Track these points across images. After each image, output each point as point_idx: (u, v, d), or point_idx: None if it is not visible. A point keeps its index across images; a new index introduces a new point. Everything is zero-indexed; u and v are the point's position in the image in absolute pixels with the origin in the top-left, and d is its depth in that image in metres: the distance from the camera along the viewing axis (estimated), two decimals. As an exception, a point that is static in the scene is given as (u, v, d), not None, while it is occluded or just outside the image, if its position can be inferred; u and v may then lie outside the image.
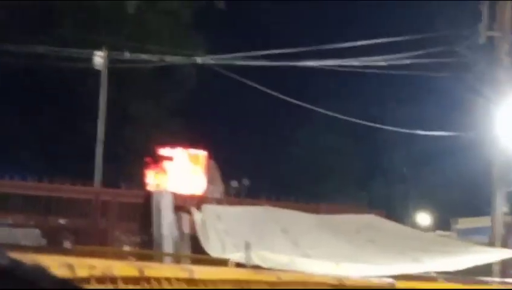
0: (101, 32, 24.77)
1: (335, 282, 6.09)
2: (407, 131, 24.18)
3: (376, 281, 6.90)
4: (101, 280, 4.10)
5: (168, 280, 4.59)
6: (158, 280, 4.52)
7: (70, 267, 3.94)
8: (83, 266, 4.05)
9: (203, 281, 4.89)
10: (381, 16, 31.86)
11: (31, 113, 25.93)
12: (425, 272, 13.42)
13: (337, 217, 18.97)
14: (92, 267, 4.13)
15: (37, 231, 18.30)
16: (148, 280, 4.45)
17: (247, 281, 5.31)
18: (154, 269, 4.65)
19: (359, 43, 20.69)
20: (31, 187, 18.73)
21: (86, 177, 20.18)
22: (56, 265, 3.92)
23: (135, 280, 4.37)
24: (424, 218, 31.51)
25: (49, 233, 18.62)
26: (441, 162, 31.85)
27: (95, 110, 22.61)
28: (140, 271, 4.42)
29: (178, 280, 4.70)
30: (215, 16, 28.79)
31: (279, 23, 33.45)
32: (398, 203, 30.63)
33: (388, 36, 20.47)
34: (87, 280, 4.00)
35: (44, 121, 25.68)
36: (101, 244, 17.48)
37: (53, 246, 15.47)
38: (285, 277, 5.76)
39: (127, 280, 4.26)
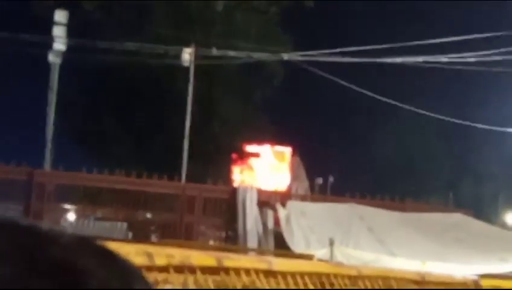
0: (191, 30, 25.04)
1: (417, 278, 5.98)
2: (498, 129, 23.73)
3: (460, 279, 6.76)
4: (179, 268, 4.12)
5: (246, 271, 4.57)
6: (237, 270, 4.50)
7: (149, 255, 3.97)
8: (162, 255, 4.08)
9: (282, 273, 4.86)
10: (471, 12, 31.27)
11: (124, 109, 26.38)
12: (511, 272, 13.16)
13: (423, 216, 18.79)
14: (171, 256, 4.15)
15: (124, 225, 18.62)
16: (226, 270, 4.44)
17: (327, 275, 5.25)
18: (233, 260, 4.64)
19: (447, 39, 20.37)
20: (119, 181, 19.04)
21: (175, 172, 20.43)
22: (135, 253, 3.97)
23: (213, 270, 4.37)
24: (512, 218, 30.90)
25: (136, 227, 18.93)
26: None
27: (184, 107, 22.86)
28: (219, 261, 4.41)
29: (257, 271, 4.68)
30: (303, 14, 28.78)
31: (366, 20, 33.21)
32: (487, 203, 30.09)
33: (478, 32, 20.10)
34: (165, 268, 4.03)
35: (136, 117, 26.10)
36: (187, 238, 17.67)
37: (139, 239, 15.70)
38: (366, 271, 5.68)
39: (205, 269, 4.26)
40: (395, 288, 5.59)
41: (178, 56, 23.17)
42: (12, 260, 0.69)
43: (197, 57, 22.91)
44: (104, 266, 0.74)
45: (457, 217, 18.77)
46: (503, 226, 23.63)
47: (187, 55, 22.77)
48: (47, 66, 22.20)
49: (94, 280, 0.72)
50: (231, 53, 23.02)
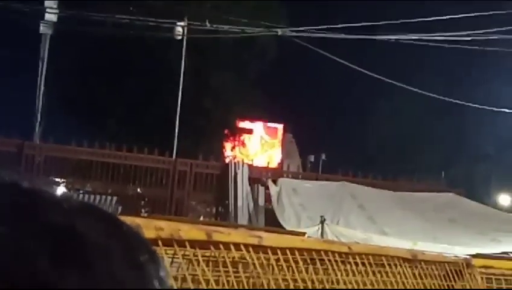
0: (184, 3, 24.79)
1: (408, 256, 5.90)
2: (493, 109, 23.65)
3: (452, 258, 6.68)
4: (168, 242, 4.03)
5: (236, 245, 4.48)
6: (226, 245, 4.41)
7: (138, 227, 3.79)
8: (151, 228, 3.97)
9: (273, 249, 4.77)
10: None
11: (115, 82, 26.17)
12: (503, 253, 13.12)
13: (415, 195, 18.76)
14: (160, 229, 4.05)
15: (114, 199, 18.56)
16: (216, 244, 4.34)
17: (318, 251, 5.18)
18: (223, 234, 4.55)
19: (443, 17, 20.24)
20: (110, 155, 18.96)
21: (166, 147, 20.32)
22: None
23: (203, 244, 4.28)
24: (505, 199, 30.93)
25: (126, 201, 18.87)
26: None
27: (176, 81, 22.72)
28: (209, 235, 4.32)
29: (247, 246, 4.59)
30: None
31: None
32: (480, 183, 30.08)
33: (474, 10, 19.96)
34: (154, 241, 3.93)
35: (128, 90, 25.90)
36: (177, 214, 17.62)
37: (129, 214, 15.62)
38: (357, 248, 5.60)
39: (194, 243, 4.17)
40: (386, 265, 5.52)
41: (171, 29, 22.99)
42: (7, 220, 0.65)
43: (190, 30, 22.73)
44: (107, 235, 0.68)
45: (449, 197, 18.75)
46: (495, 207, 23.62)
47: (180, 28, 22.60)
48: (38, 36, 22.05)
49: (93, 247, 0.66)
50: (224, 27, 22.83)
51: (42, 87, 21.67)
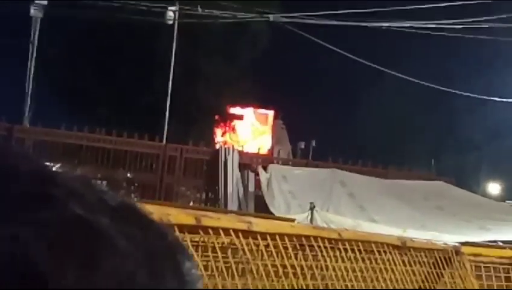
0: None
1: (398, 243, 5.90)
2: (483, 97, 23.69)
3: (441, 245, 6.68)
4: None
5: (225, 230, 4.47)
6: (215, 229, 4.40)
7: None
8: (140, 212, 3.88)
9: (262, 234, 4.76)
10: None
11: (106, 67, 26.02)
12: (492, 241, 13.14)
13: (405, 183, 18.79)
14: (149, 213, 3.97)
15: (103, 183, 18.51)
16: (205, 229, 4.33)
17: (307, 237, 5.17)
18: (212, 219, 4.53)
19: (434, 4, 20.23)
20: (99, 139, 18.90)
21: (157, 133, 20.26)
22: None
23: (191, 228, 4.26)
24: (494, 188, 31.06)
25: (115, 186, 18.81)
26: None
27: (167, 66, 22.62)
28: (198, 220, 4.30)
29: (236, 231, 4.58)
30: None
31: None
32: (469, 172, 30.16)
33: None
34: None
35: (118, 75, 25.77)
36: (166, 199, 17.60)
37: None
38: (347, 235, 5.59)
39: (183, 227, 4.15)
40: (376, 252, 5.51)
41: (162, 14, 22.87)
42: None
43: (181, 15, 22.61)
44: (133, 239, 0.56)
45: (439, 185, 18.79)
46: (484, 195, 23.68)
47: (171, 13, 22.49)
48: (29, 20, 21.92)
49: (108, 255, 0.54)
50: (216, 12, 22.72)
51: (32, 71, 21.57)
